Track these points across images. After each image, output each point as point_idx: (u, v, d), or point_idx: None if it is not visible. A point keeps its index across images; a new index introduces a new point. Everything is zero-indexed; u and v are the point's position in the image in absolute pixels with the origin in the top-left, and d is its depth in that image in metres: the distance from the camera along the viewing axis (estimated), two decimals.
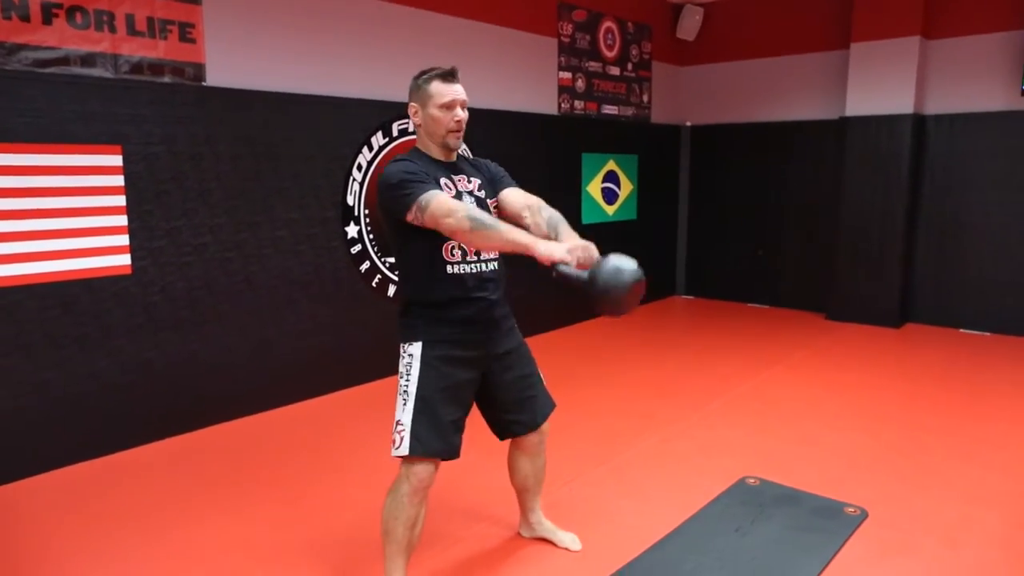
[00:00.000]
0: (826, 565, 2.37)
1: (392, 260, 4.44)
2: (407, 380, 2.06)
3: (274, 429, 3.67)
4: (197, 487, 3.00)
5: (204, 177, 3.51)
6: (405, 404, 2.05)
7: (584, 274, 1.84)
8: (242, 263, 3.71)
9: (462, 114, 2.10)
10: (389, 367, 4.47)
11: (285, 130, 3.82)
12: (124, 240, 3.28)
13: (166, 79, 3.38)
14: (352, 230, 4.20)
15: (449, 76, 2.10)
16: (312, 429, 3.67)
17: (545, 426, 2.37)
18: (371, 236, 4.31)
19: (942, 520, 2.69)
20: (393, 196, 2.00)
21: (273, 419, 3.82)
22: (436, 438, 2.03)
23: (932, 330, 5.77)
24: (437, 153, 2.14)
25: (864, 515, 2.70)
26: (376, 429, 3.61)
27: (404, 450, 2.01)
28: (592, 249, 1.90)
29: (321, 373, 4.13)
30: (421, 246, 2.06)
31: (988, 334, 5.58)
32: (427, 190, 1.96)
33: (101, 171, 3.18)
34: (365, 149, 4.21)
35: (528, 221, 2.12)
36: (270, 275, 3.84)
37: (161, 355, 3.45)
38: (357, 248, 4.24)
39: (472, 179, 2.17)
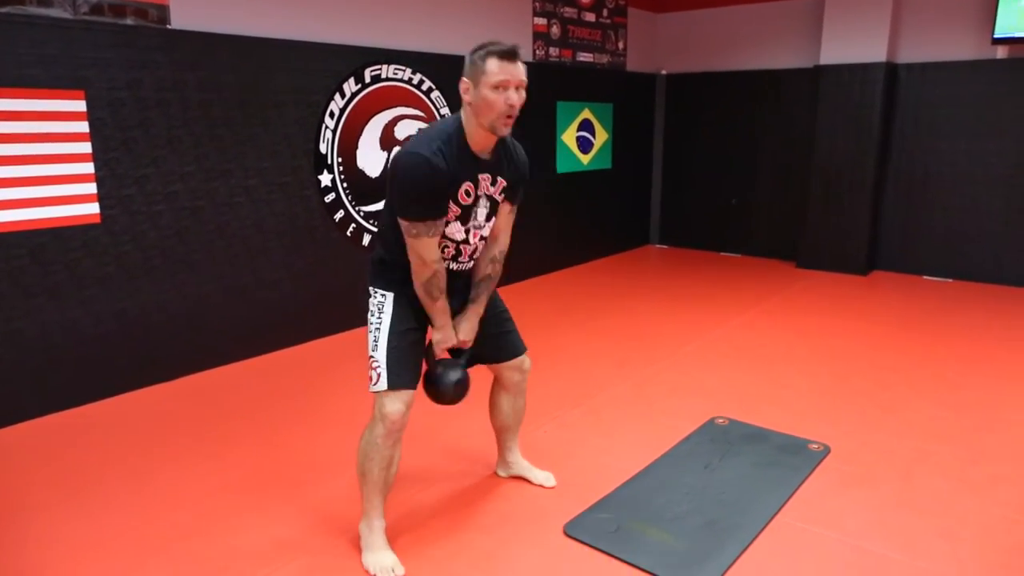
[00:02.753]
0: (789, 497, 2.49)
1: (368, 209, 4.42)
2: (379, 318, 2.11)
3: (250, 378, 3.69)
4: (176, 434, 3.03)
5: (172, 124, 3.43)
6: (377, 341, 2.09)
7: (435, 368, 2.20)
8: (214, 212, 3.66)
9: (516, 98, 1.93)
10: (363, 317, 4.49)
11: (254, 76, 3.74)
12: (92, 188, 3.21)
13: (128, 21, 3.27)
14: (325, 178, 4.15)
15: (509, 55, 1.92)
16: (288, 377, 3.70)
17: (527, 364, 2.44)
18: (345, 185, 4.27)
19: (899, 455, 2.82)
20: (401, 202, 1.97)
21: (248, 368, 3.83)
22: (411, 371, 2.10)
23: (898, 277, 5.92)
24: (479, 139, 2.00)
25: (827, 451, 2.83)
26: (352, 376, 3.66)
27: (383, 385, 2.06)
28: (467, 344, 2.22)
29: (295, 322, 4.14)
30: None
31: (951, 280, 5.74)
32: (427, 222, 1.95)
33: (64, 117, 3.09)
34: (337, 96, 4.13)
35: (483, 252, 2.22)
36: (243, 224, 3.80)
37: (135, 305, 3.42)
38: (331, 197, 4.20)
39: (499, 180, 2.10)
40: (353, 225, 4.35)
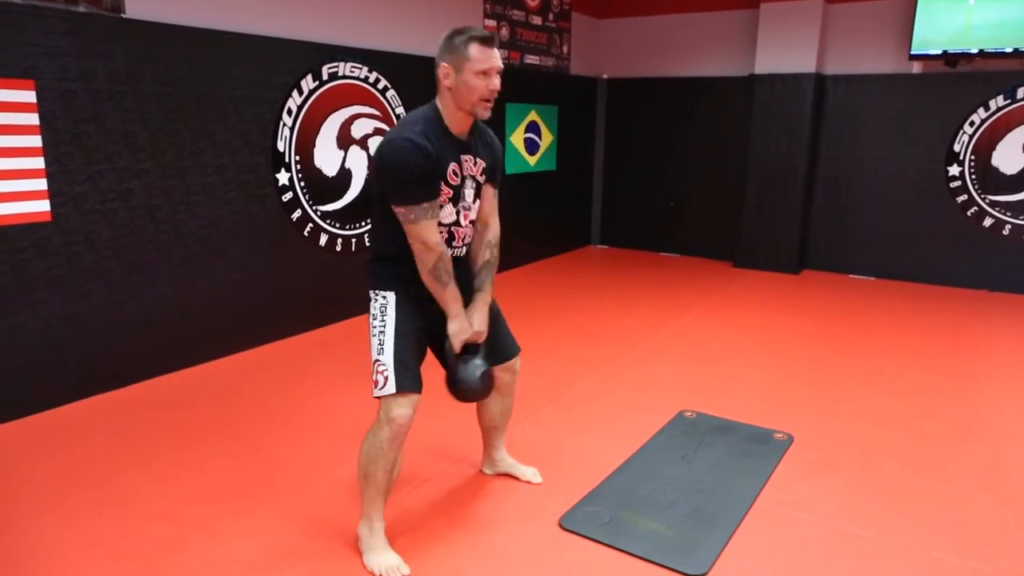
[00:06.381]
0: (764, 484, 2.63)
1: (325, 208, 4.34)
2: (383, 321, 2.09)
3: (212, 382, 3.57)
4: (138, 442, 2.90)
5: (127, 118, 3.28)
6: (383, 344, 2.07)
7: (455, 364, 2.18)
8: (170, 210, 3.52)
9: (497, 83, 2.03)
10: (322, 318, 4.43)
11: (212, 70, 3.61)
12: (42, 184, 3.03)
13: (81, 8, 3.10)
14: (283, 177, 4.06)
15: (489, 41, 2.01)
16: (251, 380, 3.60)
17: (518, 365, 2.48)
18: (302, 183, 4.18)
19: (855, 441, 3.03)
20: (394, 187, 1.98)
21: (208, 372, 3.70)
22: (417, 374, 2.10)
23: (826, 275, 6.30)
24: (456, 122, 2.06)
25: (791, 440, 3.00)
26: (319, 378, 3.61)
27: (390, 388, 2.04)
28: (482, 337, 2.21)
29: (254, 325, 4.02)
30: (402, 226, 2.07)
31: (873, 279, 6.16)
32: (426, 200, 1.97)
33: (12, 108, 2.90)
34: (295, 93, 4.04)
35: (476, 238, 2.25)
36: (200, 223, 3.66)
37: (87, 307, 3.25)
38: (288, 196, 4.11)
39: (479, 161, 2.15)
40: (310, 225, 4.27)
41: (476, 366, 2.18)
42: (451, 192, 2.08)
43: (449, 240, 2.14)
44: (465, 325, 2.15)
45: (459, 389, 2.18)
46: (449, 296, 2.10)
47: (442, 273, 2.06)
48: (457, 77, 1.99)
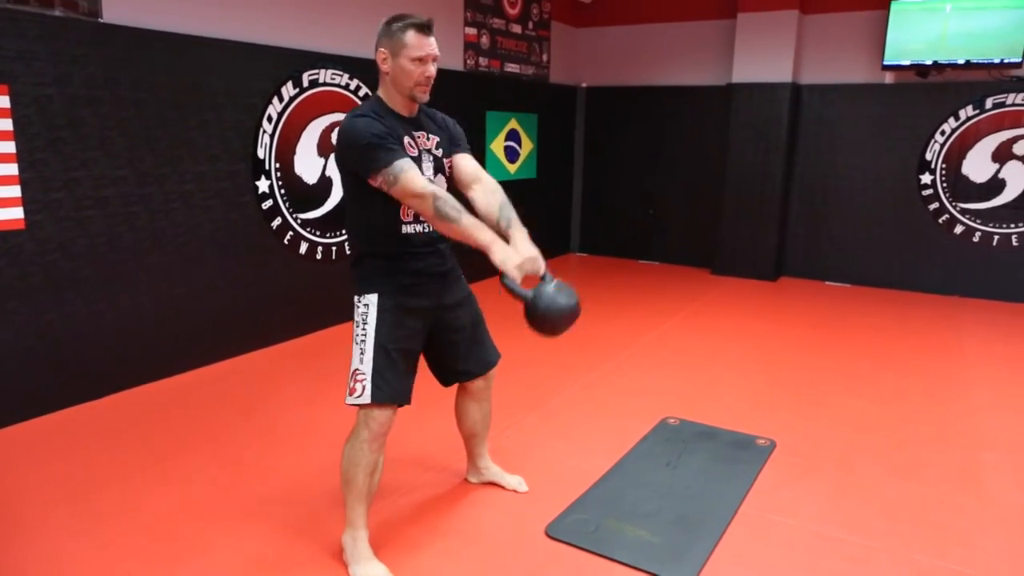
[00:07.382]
0: (748, 490, 2.65)
1: (306, 216, 4.30)
2: (364, 329, 2.08)
3: (192, 392, 3.51)
4: (116, 454, 2.84)
5: (104, 124, 3.23)
6: (363, 353, 2.06)
7: (528, 293, 2.00)
8: (148, 218, 3.46)
9: (433, 70, 2.06)
10: (303, 326, 4.39)
11: (191, 76, 3.57)
12: (15, 191, 2.96)
13: (56, 12, 3.05)
14: (263, 184, 4.02)
15: (426, 28, 2.04)
16: (231, 391, 3.54)
17: (491, 372, 2.48)
18: (282, 191, 4.14)
19: (836, 446, 3.07)
20: (360, 158, 1.97)
21: (187, 381, 3.64)
22: (397, 384, 2.09)
23: (803, 282, 6.38)
24: (400, 105, 2.10)
25: (773, 445, 3.03)
26: (299, 389, 3.57)
27: (366, 398, 2.04)
28: (539, 262, 2.03)
29: (234, 334, 3.97)
30: (380, 207, 2.06)
31: (849, 285, 6.25)
32: (396, 158, 1.95)
33: None
34: (275, 99, 4.01)
35: (476, 196, 2.18)
36: (178, 231, 3.61)
37: (62, 317, 3.18)
38: (268, 204, 4.07)
39: (432, 136, 2.16)
40: (290, 233, 4.23)
41: (549, 288, 1.98)
42: (415, 154, 2.07)
43: (418, 215, 2.08)
44: (509, 251, 1.98)
45: (542, 318, 1.98)
46: (468, 228, 1.95)
47: (448, 210, 1.94)
48: (394, 62, 2.03)
